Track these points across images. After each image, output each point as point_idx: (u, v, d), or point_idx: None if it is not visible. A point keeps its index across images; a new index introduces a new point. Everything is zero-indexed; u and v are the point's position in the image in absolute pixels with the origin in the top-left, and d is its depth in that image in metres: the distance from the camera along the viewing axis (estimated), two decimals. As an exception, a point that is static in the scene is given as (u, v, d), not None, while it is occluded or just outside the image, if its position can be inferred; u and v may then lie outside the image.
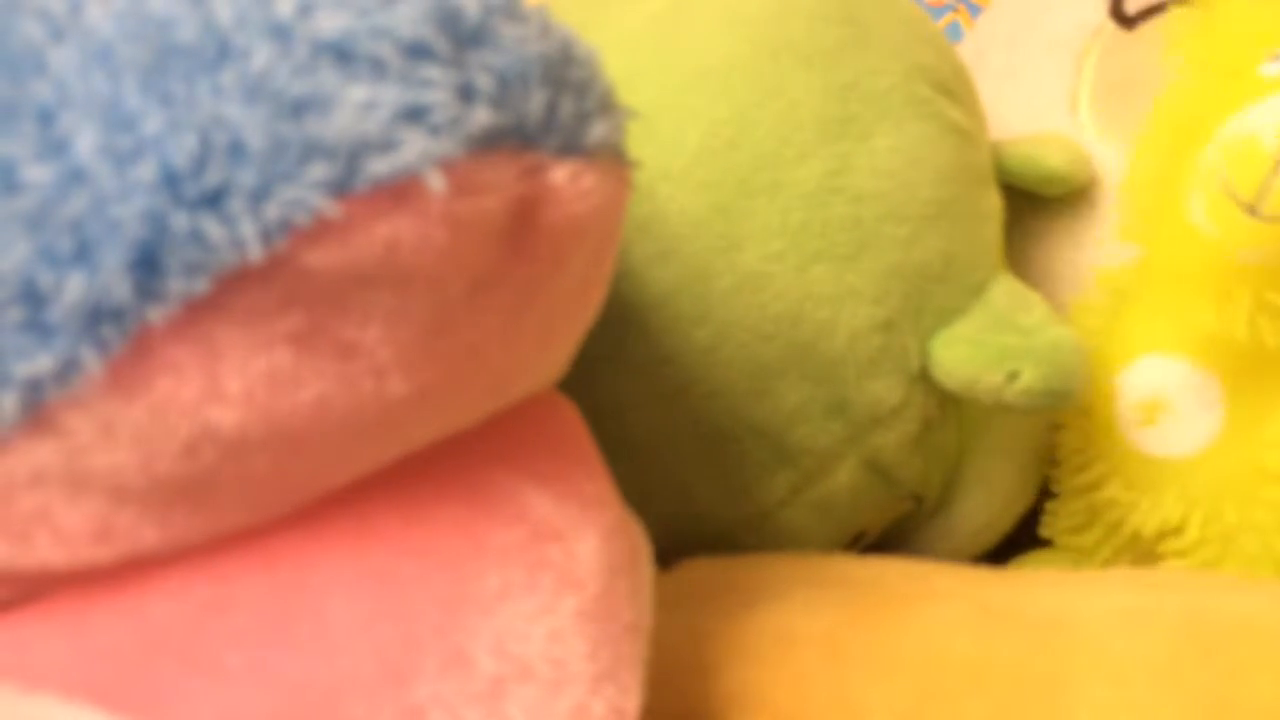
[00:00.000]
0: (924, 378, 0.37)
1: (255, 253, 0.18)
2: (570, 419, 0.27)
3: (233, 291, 0.19)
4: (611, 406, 0.35)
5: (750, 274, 0.35)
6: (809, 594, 0.32)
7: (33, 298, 0.18)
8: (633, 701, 0.23)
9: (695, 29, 0.37)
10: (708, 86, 0.36)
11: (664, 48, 0.37)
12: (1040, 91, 0.46)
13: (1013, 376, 0.36)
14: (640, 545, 0.26)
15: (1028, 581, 0.35)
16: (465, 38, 0.20)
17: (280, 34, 0.19)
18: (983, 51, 0.48)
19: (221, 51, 0.18)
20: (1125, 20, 0.46)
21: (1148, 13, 0.45)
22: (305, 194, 0.18)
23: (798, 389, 0.36)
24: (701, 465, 0.36)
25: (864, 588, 0.33)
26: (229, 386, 0.19)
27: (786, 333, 0.35)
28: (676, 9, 0.37)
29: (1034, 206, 0.44)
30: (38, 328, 0.19)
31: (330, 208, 0.18)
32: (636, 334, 0.35)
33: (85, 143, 0.18)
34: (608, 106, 0.23)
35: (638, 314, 0.35)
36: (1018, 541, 0.43)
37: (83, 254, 0.18)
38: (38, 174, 0.18)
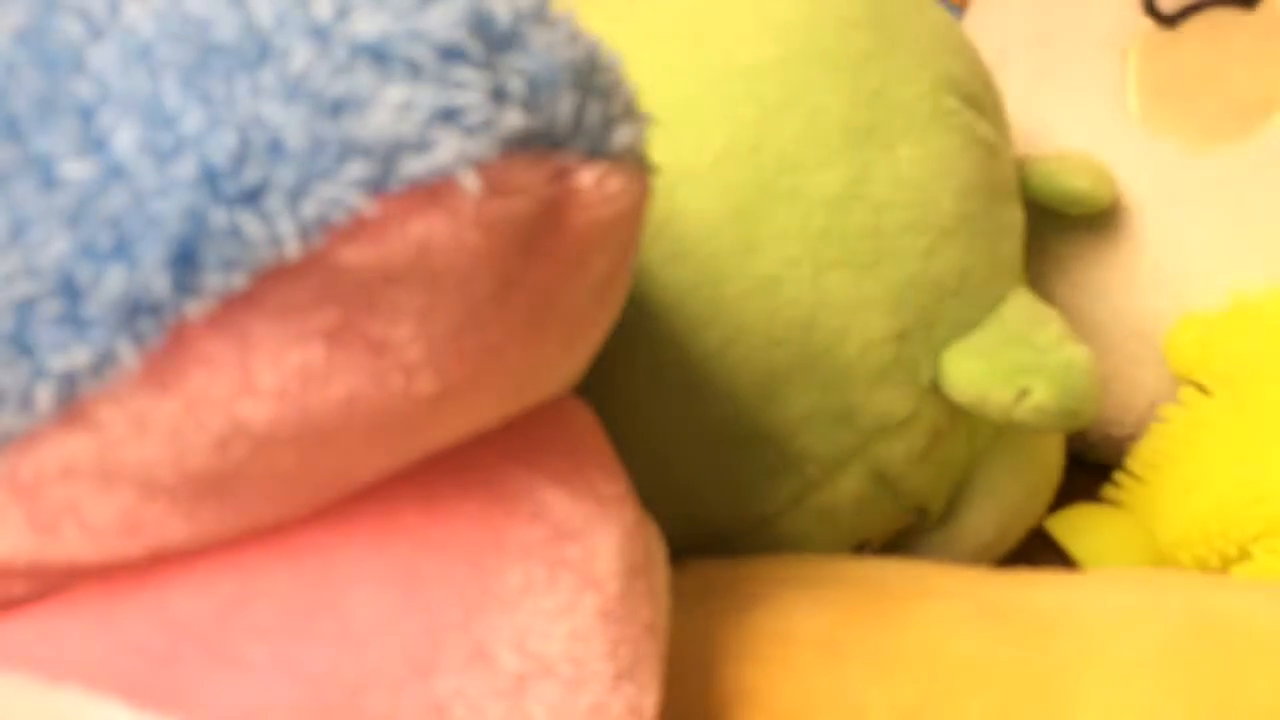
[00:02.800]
0: (934, 390, 0.38)
1: (293, 250, 0.19)
2: (586, 420, 0.27)
3: (269, 287, 0.20)
4: (618, 405, 0.35)
5: (765, 278, 0.35)
6: (807, 593, 0.33)
7: (70, 292, 0.19)
8: (650, 700, 0.24)
9: (725, 29, 0.37)
10: (734, 88, 0.36)
11: (692, 47, 0.37)
12: (1086, 90, 0.47)
13: (1023, 394, 0.36)
14: (656, 546, 0.27)
15: (1027, 580, 0.35)
16: (497, 42, 0.21)
17: (319, 35, 0.19)
18: (1005, 50, 0.49)
19: (261, 51, 0.19)
20: (1164, 19, 0.47)
21: (1187, 11, 0.47)
22: (343, 192, 0.19)
23: (806, 395, 0.36)
24: (705, 468, 0.37)
25: (863, 587, 0.34)
26: (262, 381, 0.20)
27: (798, 339, 0.36)
28: (706, 8, 0.38)
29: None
30: (74, 321, 0.19)
31: (367, 206, 0.19)
32: (647, 333, 0.36)
33: (125, 139, 0.19)
34: (632, 111, 0.24)
35: (649, 313, 0.36)
36: (1025, 552, 0.44)
37: (122, 249, 0.19)
38: (77, 170, 0.19)
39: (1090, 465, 0.48)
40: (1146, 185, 0.46)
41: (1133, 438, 0.48)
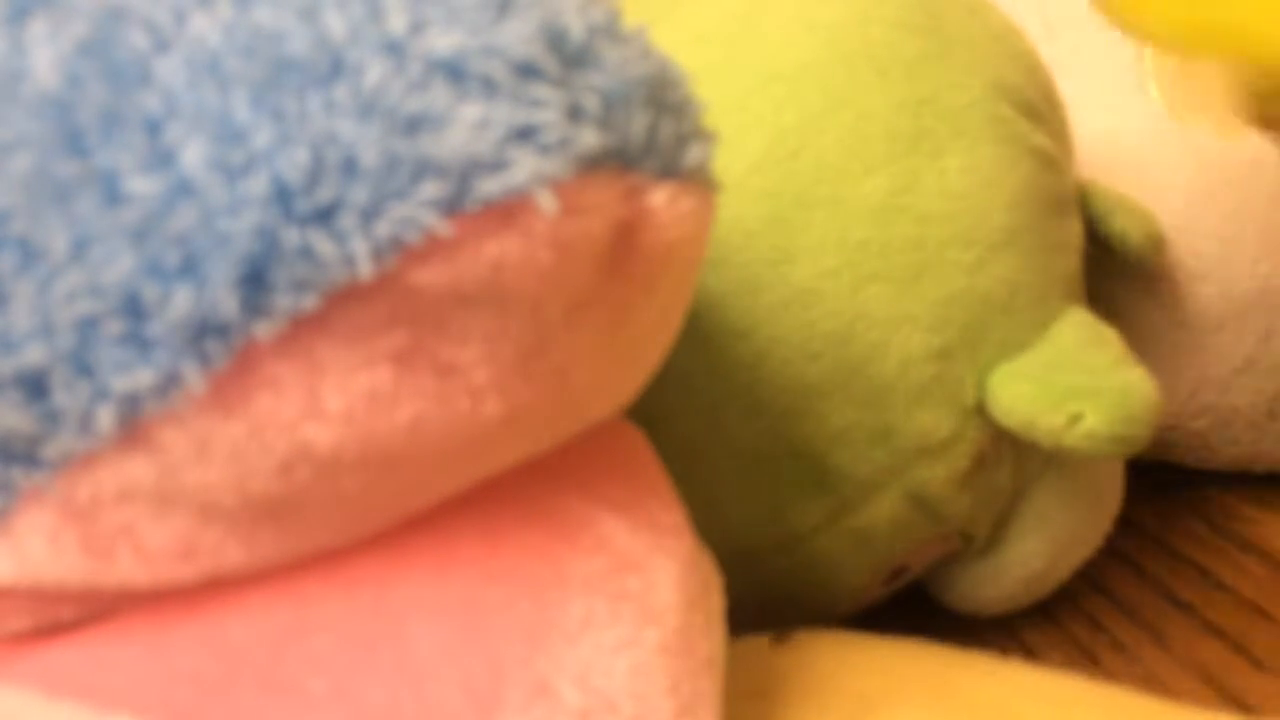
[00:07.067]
0: (979, 412, 0.37)
1: (366, 270, 0.19)
2: (641, 446, 0.28)
3: (339, 309, 0.20)
4: (646, 415, 0.35)
5: (801, 289, 0.36)
6: (929, 715, 0.30)
7: (135, 311, 0.19)
8: (712, 738, 0.24)
9: (770, 31, 0.38)
10: (776, 91, 0.37)
11: (735, 48, 0.37)
12: (1105, 83, 0.48)
13: (1075, 419, 0.36)
14: (711, 576, 0.27)
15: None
16: (571, 58, 0.21)
17: (393, 51, 0.20)
18: None
19: (334, 67, 0.19)
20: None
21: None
22: (417, 212, 0.19)
23: (841, 413, 0.36)
24: (734, 483, 0.37)
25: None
26: (329, 404, 0.20)
27: (834, 353, 0.36)
28: (753, 9, 0.38)
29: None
30: (138, 341, 0.19)
31: (442, 227, 0.20)
32: (678, 342, 0.36)
33: (193, 155, 0.19)
34: (701, 129, 0.24)
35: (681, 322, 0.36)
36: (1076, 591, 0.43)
37: (189, 268, 0.19)
38: (143, 185, 0.19)
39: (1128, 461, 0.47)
40: (1185, 174, 0.47)
41: (1174, 428, 0.48)
